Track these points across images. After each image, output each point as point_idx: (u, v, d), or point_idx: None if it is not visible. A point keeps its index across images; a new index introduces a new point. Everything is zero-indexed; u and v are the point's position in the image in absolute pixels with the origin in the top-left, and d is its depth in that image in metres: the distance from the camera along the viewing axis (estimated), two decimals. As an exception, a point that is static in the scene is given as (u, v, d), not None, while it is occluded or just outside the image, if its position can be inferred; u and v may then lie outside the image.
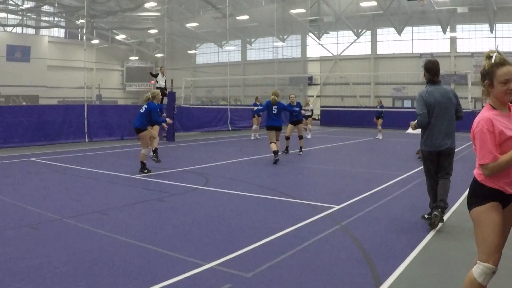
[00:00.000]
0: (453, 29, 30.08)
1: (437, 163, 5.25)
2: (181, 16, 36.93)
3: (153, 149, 9.58)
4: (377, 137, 17.99)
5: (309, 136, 18.19)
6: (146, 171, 8.57)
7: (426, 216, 5.34)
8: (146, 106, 8.75)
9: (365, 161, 11.29)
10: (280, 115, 10.93)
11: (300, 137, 12.48)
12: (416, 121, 5.26)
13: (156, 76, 15.66)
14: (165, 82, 15.94)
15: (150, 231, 4.91)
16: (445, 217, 5.54)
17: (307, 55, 36.73)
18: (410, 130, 5.65)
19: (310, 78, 35.41)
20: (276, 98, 10.86)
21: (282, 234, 4.75)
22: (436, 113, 5.09)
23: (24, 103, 25.84)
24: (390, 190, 7.25)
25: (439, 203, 5.08)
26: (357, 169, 9.72)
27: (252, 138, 17.26)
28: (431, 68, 5.23)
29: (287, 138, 12.53)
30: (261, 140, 16.12)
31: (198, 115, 20.65)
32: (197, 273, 3.65)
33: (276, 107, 10.79)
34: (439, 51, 30.31)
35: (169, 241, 4.55)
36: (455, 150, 5.39)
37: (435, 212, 4.96)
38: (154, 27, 38.04)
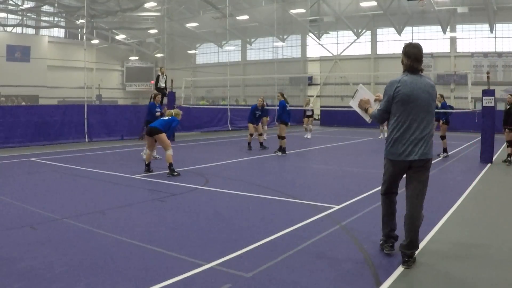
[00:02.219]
0: (453, 29, 30.07)
1: (407, 180, 4.06)
2: (181, 16, 36.91)
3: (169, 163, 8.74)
4: (379, 137, 17.99)
5: (309, 136, 18.21)
6: (176, 173, 8.46)
7: (381, 241, 4.35)
8: (170, 118, 8.93)
9: (365, 161, 11.28)
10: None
11: (279, 137, 12.56)
12: (375, 111, 4.20)
13: (158, 78, 15.77)
14: (165, 83, 15.96)
15: (150, 231, 4.90)
16: (446, 217, 5.51)
17: (307, 55, 36.71)
18: (353, 102, 4.58)
19: (310, 78, 35.40)
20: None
21: (282, 234, 4.75)
22: (408, 110, 3.86)
23: (23, 103, 25.88)
24: (390, 190, 7.23)
25: (405, 248, 3.89)
26: (357, 169, 9.72)
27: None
28: (413, 54, 3.93)
29: (282, 137, 12.34)
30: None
31: (198, 115, 20.64)
32: (197, 273, 3.66)
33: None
34: (439, 51, 30.31)
35: (169, 241, 4.55)
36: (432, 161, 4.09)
37: (404, 266, 3.84)
38: (154, 27, 38.02)
